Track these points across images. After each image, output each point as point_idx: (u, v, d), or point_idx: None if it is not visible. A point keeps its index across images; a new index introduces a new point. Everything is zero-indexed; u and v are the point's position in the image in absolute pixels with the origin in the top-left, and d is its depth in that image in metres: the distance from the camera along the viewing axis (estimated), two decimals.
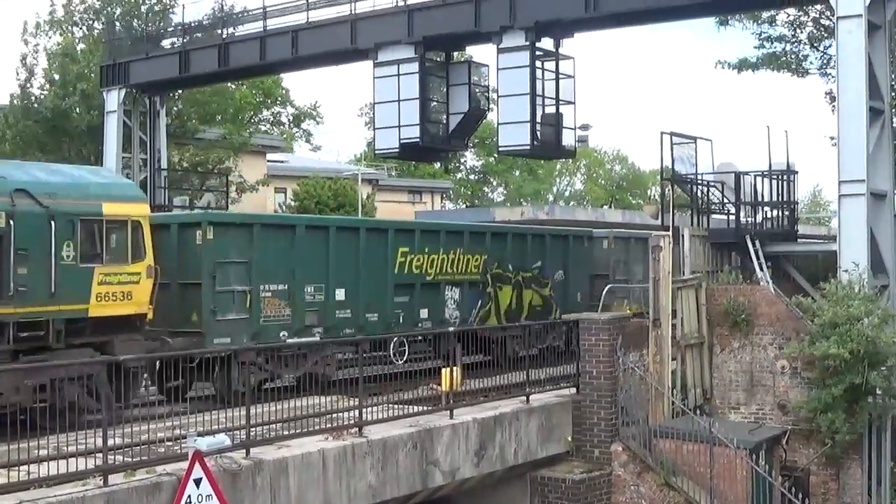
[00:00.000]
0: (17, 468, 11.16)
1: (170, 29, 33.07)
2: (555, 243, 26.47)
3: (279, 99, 49.60)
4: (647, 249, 27.19)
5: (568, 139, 25.27)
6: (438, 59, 25.92)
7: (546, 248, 26.03)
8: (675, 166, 23.16)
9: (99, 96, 32.21)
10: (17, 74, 35.85)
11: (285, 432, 13.95)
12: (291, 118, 52.03)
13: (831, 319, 17.98)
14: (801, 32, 31.04)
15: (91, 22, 37.27)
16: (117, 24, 34.91)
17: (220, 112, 41.20)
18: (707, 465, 16.97)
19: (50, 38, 36.92)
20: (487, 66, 26.18)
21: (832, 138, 22.83)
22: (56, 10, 37.12)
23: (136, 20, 35.45)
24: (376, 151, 27.33)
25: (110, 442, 11.60)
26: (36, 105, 34.83)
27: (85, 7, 37.34)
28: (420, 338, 22.26)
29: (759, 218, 24.65)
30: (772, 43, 31.21)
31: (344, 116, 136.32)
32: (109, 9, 36.62)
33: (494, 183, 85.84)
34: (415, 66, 24.83)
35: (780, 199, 24.64)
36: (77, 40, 36.73)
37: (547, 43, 24.39)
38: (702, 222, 23.50)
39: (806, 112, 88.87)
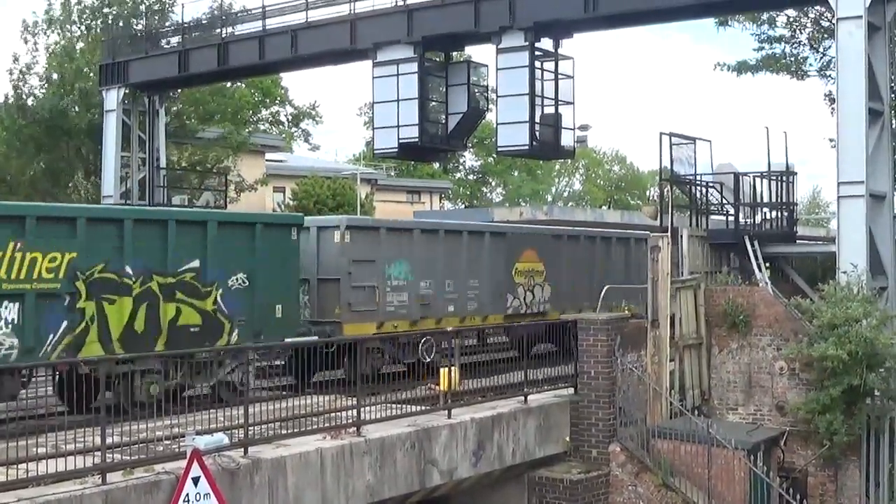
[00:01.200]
0: (15, 466, 11.17)
1: (169, 28, 33.06)
2: (229, 235, 18.76)
3: (278, 98, 49.64)
4: (400, 242, 22.84)
5: (567, 140, 25.24)
6: (438, 59, 25.92)
7: (209, 241, 18.29)
8: (674, 167, 23.11)
9: (98, 95, 32.21)
10: (12, 74, 35.86)
11: (283, 431, 13.99)
12: (290, 118, 52.07)
13: (830, 321, 17.97)
14: (801, 34, 31.03)
15: (89, 21, 37.21)
16: (114, 22, 34.85)
17: (219, 111, 41.16)
18: (705, 465, 16.97)
19: (48, 36, 36.93)
20: (486, 66, 26.18)
21: (831, 140, 22.84)
22: (53, 9, 37.08)
23: (134, 19, 35.43)
24: (375, 151, 27.32)
25: (109, 440, 11.63)
26: (33, 104, 34.78)
27: (83, 7, 37.29)
28: None
29: (758, 219, 24.63)
30: (771, 44, 31.19)
31: (343, 116, 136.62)
32: (108, 9, 36.59)
33: (493, 183, 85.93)
34: (414, 66, 24.81)
35: (779, 200, 24.63)
36: (76, 39, 36.69)
37: (546, 43, 24.38)
38: (700, 223, 23.45)
39: (805, 113, 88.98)
